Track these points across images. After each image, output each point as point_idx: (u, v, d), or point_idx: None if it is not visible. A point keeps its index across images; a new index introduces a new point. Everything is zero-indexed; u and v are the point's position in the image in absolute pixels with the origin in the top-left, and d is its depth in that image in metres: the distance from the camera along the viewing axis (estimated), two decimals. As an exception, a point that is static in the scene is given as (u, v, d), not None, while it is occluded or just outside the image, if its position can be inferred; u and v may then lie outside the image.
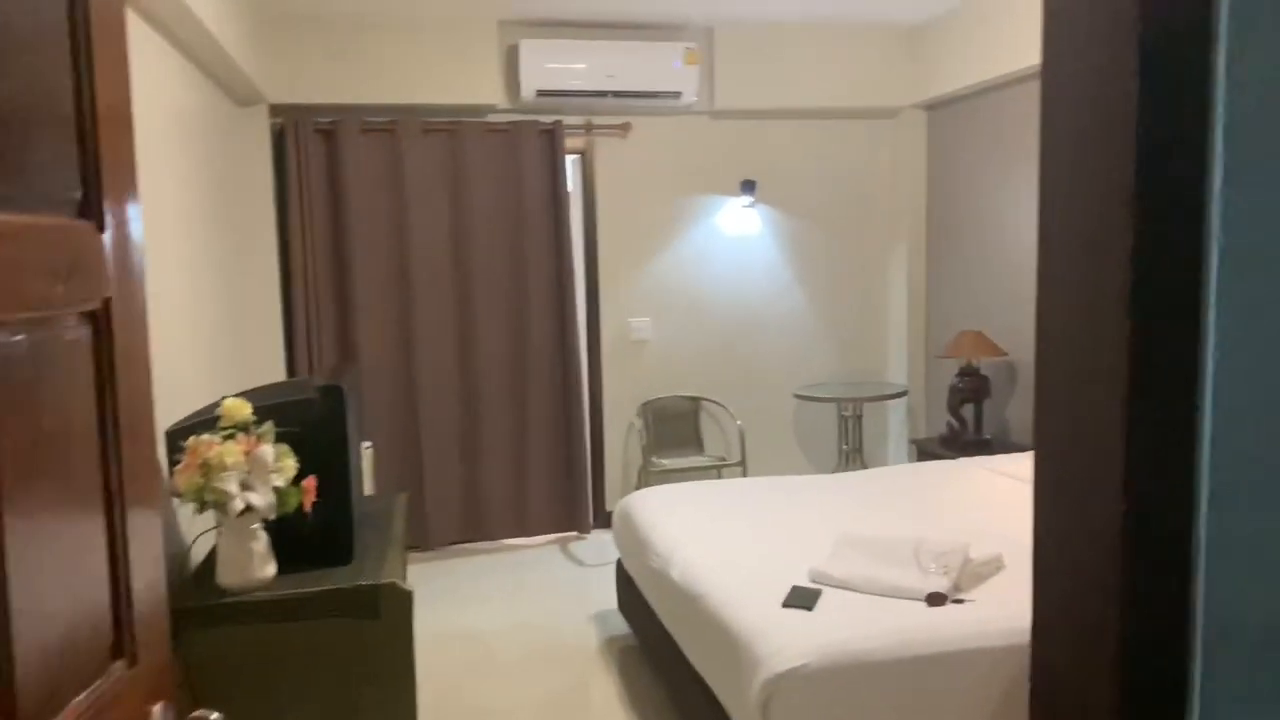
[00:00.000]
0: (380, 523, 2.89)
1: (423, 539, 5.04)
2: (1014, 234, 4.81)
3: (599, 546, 5.10)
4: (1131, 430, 0.74)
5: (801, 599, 2.66)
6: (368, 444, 4.54)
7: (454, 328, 5.06)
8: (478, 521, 5.17)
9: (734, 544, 3.17)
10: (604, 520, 5.36)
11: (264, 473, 2.19)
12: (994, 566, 2.75)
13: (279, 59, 4.61)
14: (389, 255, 4.96)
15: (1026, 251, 4.71)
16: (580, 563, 4.96)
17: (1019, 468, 3.97)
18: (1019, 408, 4.83)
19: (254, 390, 2.61)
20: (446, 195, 5.00)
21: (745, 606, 2.64)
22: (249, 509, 2.16)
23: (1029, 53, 4.34)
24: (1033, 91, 4.58)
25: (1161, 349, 0.74)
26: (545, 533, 5.28)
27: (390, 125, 4.88)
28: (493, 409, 5.12)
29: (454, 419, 5.09)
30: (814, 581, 2.76)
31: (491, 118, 5.06)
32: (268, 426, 2.25)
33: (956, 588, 2.61)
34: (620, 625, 3.96)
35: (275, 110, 4.72)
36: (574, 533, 5.30)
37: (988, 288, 5.04)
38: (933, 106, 5.46)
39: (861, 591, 2.67)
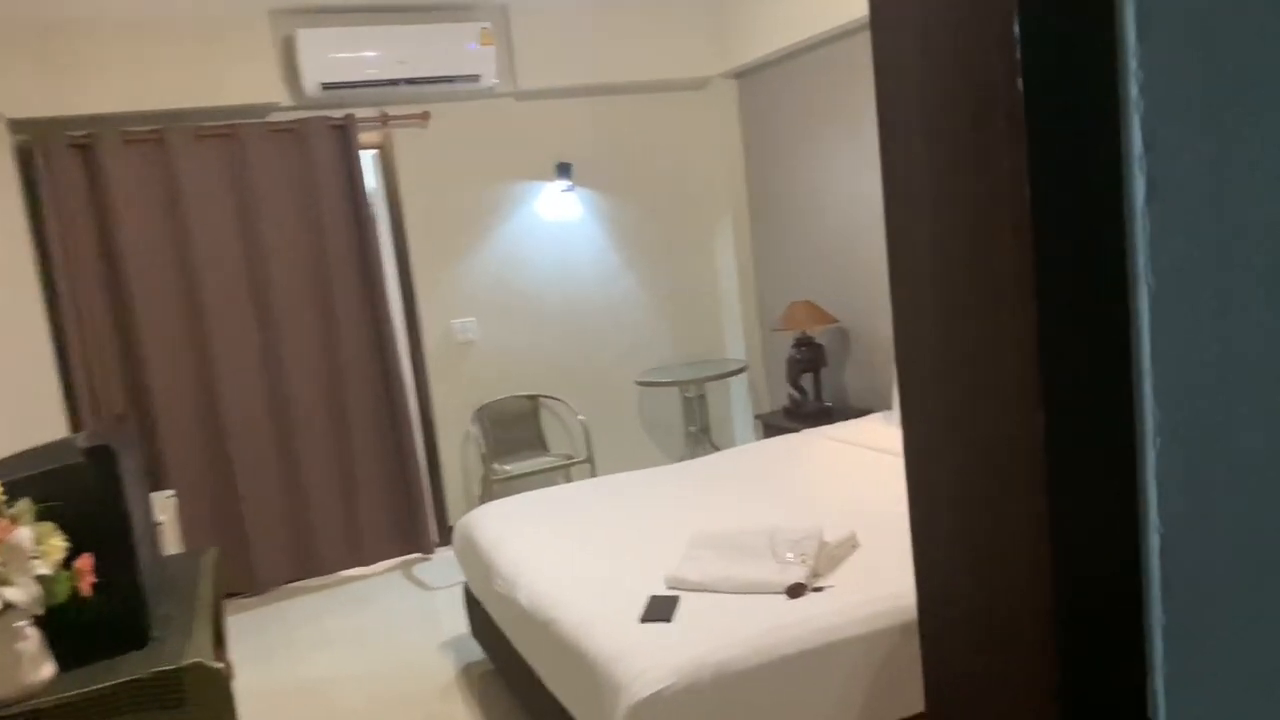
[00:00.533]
0: (185, 587, 2.51)
1: (249, 583, 4.60)
2: (833, 200, 4.77)
3: (445, 566, 4.78)
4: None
5: (659, 610, 2.47)
6: (170, 494, 4.09)
7: (257, 351, 4.61)
8: (309, 556, 4.77)
9: (583, 557, 2.97)
10: (448, 537, 5.05)
11: (23, 561, 1.82)
12: (849, 547, 2.65)
13: (11, 68, 4.04)
14: (173, 278, 4.46)
15: (847, 216, 4.69)
16: (426, 586, 4.64)
17: (859, 433, 3.94)
18: (855, 373, 4.82)
19: (1, 461, 2.20)
20: (232, 205, 4.53)
21: (600, 627, 2.45)
22: (8, 607, 1.79)
23: (834, 12, 4.27)
24: (841, 52, 4.54)
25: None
26: (385, 559, 4.93)
27: (156, 134, 4.37)
28: (311, 433, 4.72)
29: (269, 450, 4.66)
30: (670, 588, 2.59)
31: (274, 117, 4.62)
32: (23, 505, 1.87)
33: (815, 575, 2.49)
34: (476, 650, 3.69)
35: (16, 126, 4.14)
36: (417, 554, 4.97)
37: (813, 256, 5.00)
38: (742, 75, 5.37)
39: (720, 592, 2.51)
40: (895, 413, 4.02)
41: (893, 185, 0.69)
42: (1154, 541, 0.54)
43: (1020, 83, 0.51)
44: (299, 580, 4.77)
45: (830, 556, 2.56)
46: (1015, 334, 0.54)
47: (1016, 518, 0.58)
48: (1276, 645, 0.55)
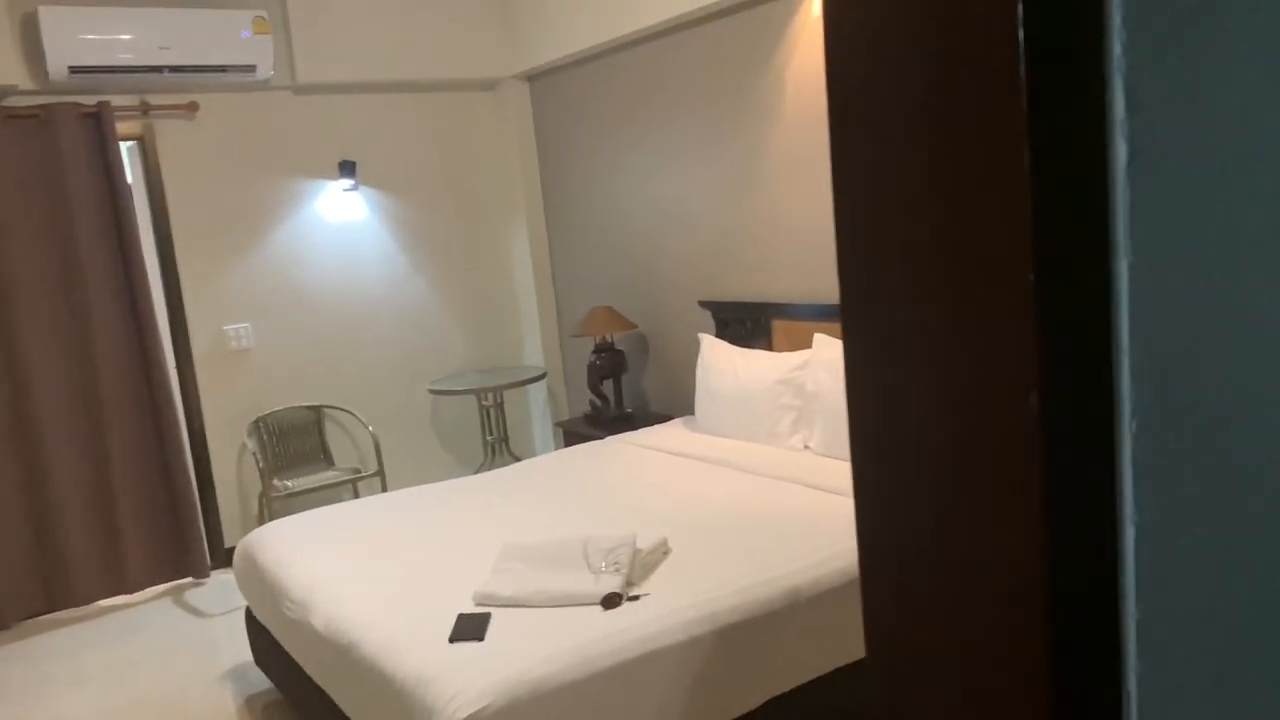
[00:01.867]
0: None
1: (-13, 620, 4.10)
2: (629, 205, 4.82)
3: (221, 590, 4.45)
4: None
5: (470, 628, 2.39)
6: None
7: (-5, 362, 4.11)
8: (62, 586, 4.29)
9: (382, 575, 2.82)
10: (224, 559, 4.70)
11: None
12: (661, 553, 2.67)
13: None
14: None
15: (643, 221, 4.75)
16: (201, 613, 4.29)
17: (662, 439, 4.00)
18: (655, 378, 4.89)
19: None
20: (-38, 199, 4.01)
21: (407, 649, 2.33)
22: None
23: (623, 20, 4.31)
24: (632, 58, 4.59)
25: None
26: (151, 584, 4.52)
27: None
28: (63, 451, 4.25)
29: (12, 469, 4.16)
30: (480, 604, 2.51)
31: (12, 101, 4.13)
32: None
33: (629, 584, 2.48)
34: (261, 679, 3.44)
35: None
36: (189, 579, 4.59)
37: (611, 261, 5.03)
38: (533, 77, 5.32)
39: (534, 606, 2.46)
40: (696, 418, 4.11)
41: (849, 164, 0.65)
42: (1129, 532, 0.54)
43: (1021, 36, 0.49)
44: (51, 613, 4.29)
45: (643, 564, 2.56)
46: (1007, 313, 0.53)
47: (1001, 514, 0.55)
48: (1252, 641, 0.56)
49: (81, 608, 4.36)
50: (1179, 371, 0.53)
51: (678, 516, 3.01)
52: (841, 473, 3.28)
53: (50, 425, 4.22)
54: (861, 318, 0.65)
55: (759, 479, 3.35)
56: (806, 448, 3.62)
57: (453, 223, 5.36)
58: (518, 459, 5.12)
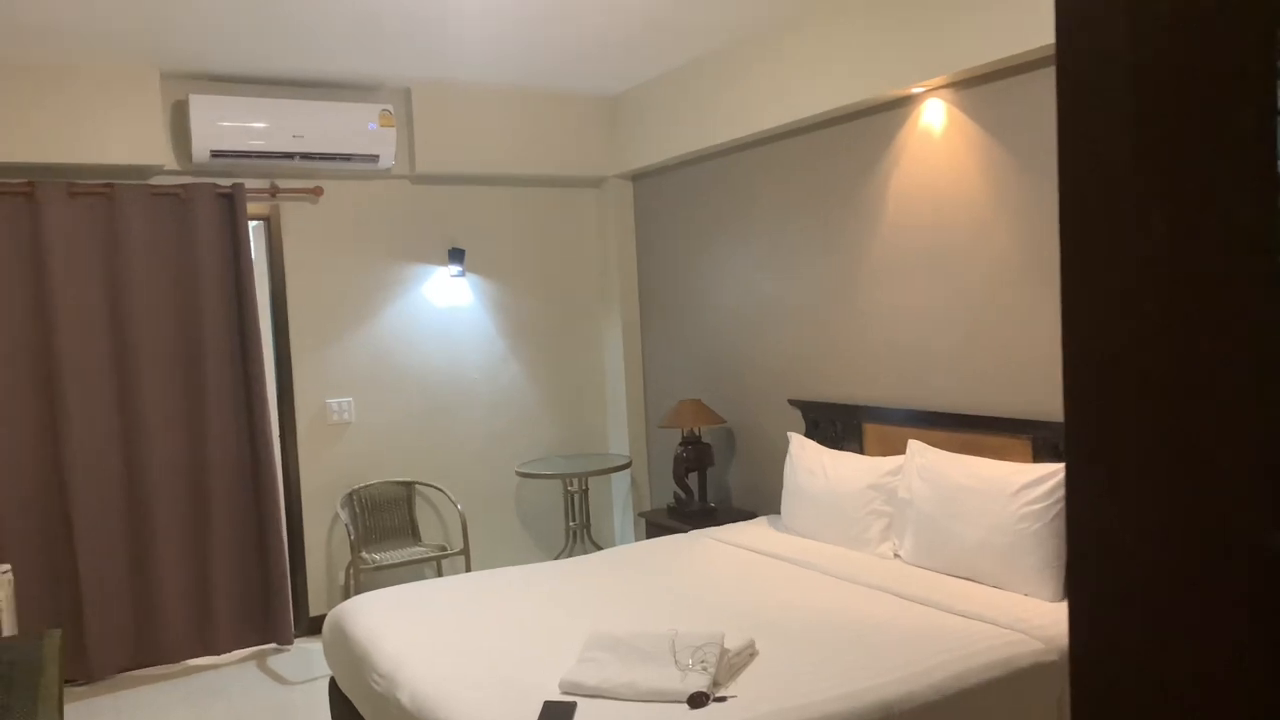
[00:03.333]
0: (24, 675, 2.27)
1: (83, 670, 4.24)
2: (723, 302, 4.91)
3: (305, 658, 4.53)
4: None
5: (555, 716, 2.39)
6: (5, 567, 3.74)
7: (115, 418, 4.33)
8: (153, 642, 4.42)
9: (470, 654, 2.85)
10: (308, 627, 4.79)
11: None
12: (748, 655, 2.64)
13: None
14: (28, 343, 4.18)
15: (736, 319, 4.82)
16: (283, 680, 4.36)
17: (745, 536, 3.98)
18: (740, 474, 4.89)
19: None
20: (102, 267, 4.30)
21: (492, 733, 2.34)
22: None
23: (726, 129, 4.46)
24: (734, 163, 4.73)
25: None
26: (238, 647, 4.62)
27: (26, 187, 4.13)
28: (168, 510, 4.43)
29: (119, 524, 4.35)
30: (565, 692, 2.51)
31: (157, 180, 4.44)
32: None
33: (716, 683, 2.47)
34: (337, 752, 3.47)
35: None
36: (273, 645, 4.68)
37: (702, 356, 5.10)
38: (638, 176, 5.51)
39: (619, 699, 2.45)
40: (781, 517, 4.09)
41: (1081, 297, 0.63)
42: None
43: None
44: (140, 668, 4.41)
45: (730, 665, 2.55)
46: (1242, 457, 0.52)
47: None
48: None
49: (168, 665, 4.47)
50: None
51: (764, 617, 2.98)
52: (932, 583, 3.22)
53: (158, 485, 4.41)
54: (1091, 442, 0.64)
55: (846, 585, 3.31)
56: (896, 556, 3.57)
57: (551, 311, 5.52)
58: (599, 546, 5.15)
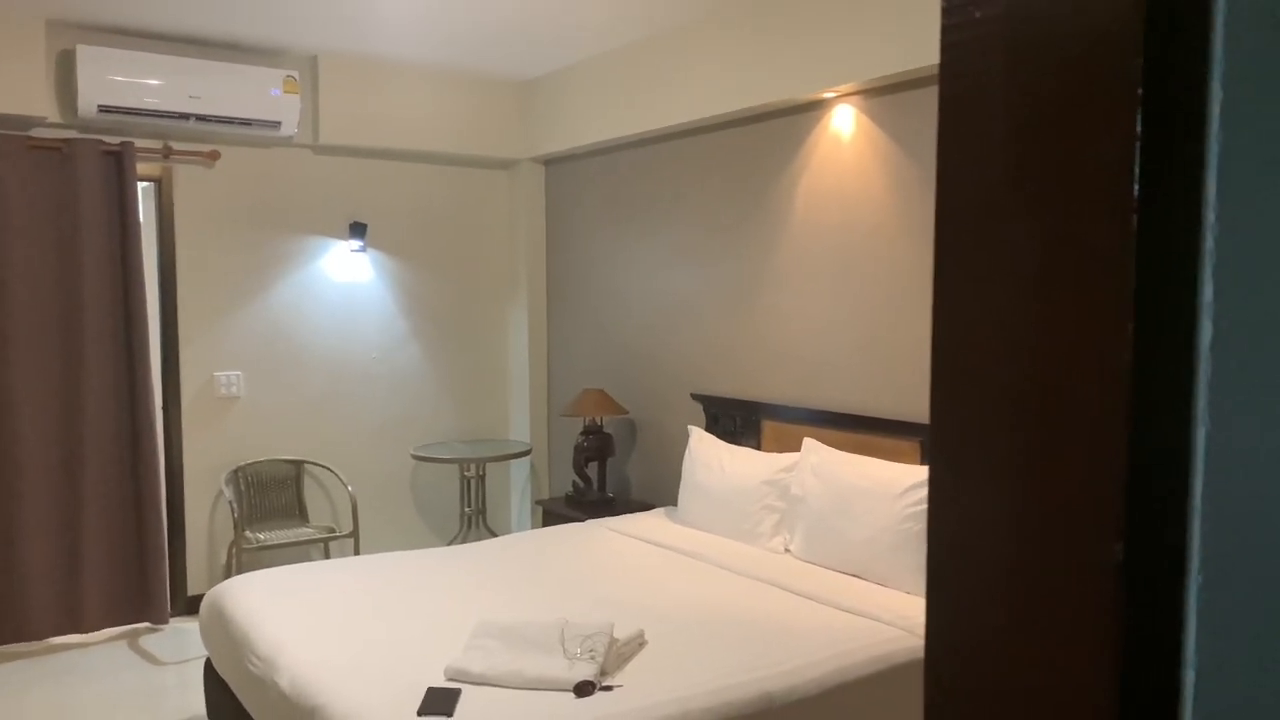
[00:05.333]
0: None
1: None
2: (632, 293, 4.90)
3: (181, 638, 4.36)
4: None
5: (440, 703, 2.36)
6: None
7: (-17, 384, 4.09)
8: (14, 619, 4.19)
9: (353, 640, 2.79)
10: (186, 606, 4.62)
11: None
12: (636, 645, 2.66)
13: None
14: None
15: (644, 311, 4.82)
16: (156, 661, 4.20)
17: (642, 527, 3.99)
18: (639, 466, 4.90)
19: None
20: (-25, 221, 4.05)
21: (374, 718, 2.30)
22: None
23: (640, 119, 4.46)
24: (649, 154, 4.73)
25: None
26: (107, 625, 4.42)
27: (-108, 130, 3.86)
28: (36, 480, 4.19)
29: (-19, 496, 4.11)
30: (450, 679, 2.48)
31: (38, 132, 4.20)
32: None
33: (603, 673, 2.47)
34: (210, 735, 3.36)
35: None
36: (146, 624, 4.49)
37: (608, 346, 5.09)
38: (550, 161, 5.46)
39: (505, 686, 2.43)
40: (678, 509, 4.12)
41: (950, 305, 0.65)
42: (1189, 678, 0.55)
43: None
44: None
45: (619, 654, 2.55)
46: (1106, 366, 0.54)
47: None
48: None
49: (31, 643, 4.26)
50: (1248, 531, 0.55)
51: (654, 608, 3.00)
52: (821, 579, 3.29)
53: (29, 452, 4.18)
54: (952, 448, 0.66)
55: (737, 578, 3.35)
56: (787, 551, 3.63)
57: (455, 293, 5.43)
58: (494, 533, 5.10)
